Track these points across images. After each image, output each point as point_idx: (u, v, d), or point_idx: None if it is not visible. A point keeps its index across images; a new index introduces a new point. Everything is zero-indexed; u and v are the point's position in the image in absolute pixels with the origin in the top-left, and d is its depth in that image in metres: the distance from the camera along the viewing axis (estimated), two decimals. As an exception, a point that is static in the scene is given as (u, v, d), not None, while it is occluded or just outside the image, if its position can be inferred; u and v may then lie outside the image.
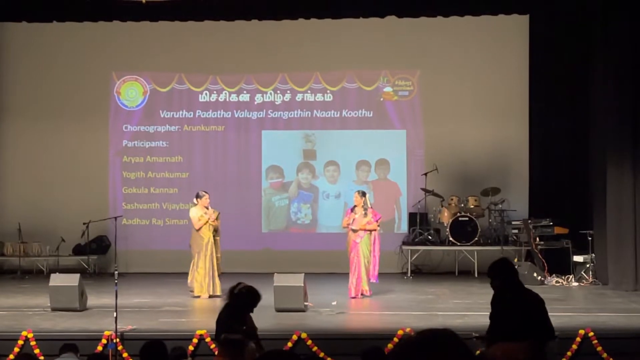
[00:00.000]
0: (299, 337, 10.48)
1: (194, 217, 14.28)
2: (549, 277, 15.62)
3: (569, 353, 10.54)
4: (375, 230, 14.18)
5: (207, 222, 14.21)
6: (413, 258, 17.31)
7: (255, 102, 18.58)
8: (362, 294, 14.05)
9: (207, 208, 14.32)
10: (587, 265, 15.55)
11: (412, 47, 18.28)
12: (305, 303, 12.55)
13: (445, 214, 17.44)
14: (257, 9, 16.44)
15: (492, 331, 7.63)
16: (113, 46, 18.58)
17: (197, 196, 14.44)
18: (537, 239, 16.32)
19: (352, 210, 14.31)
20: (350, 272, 14.11)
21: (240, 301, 8.67)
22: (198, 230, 14.24)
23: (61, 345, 9.29)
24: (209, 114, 18.64)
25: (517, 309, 7.56)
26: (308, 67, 18.49)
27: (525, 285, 8.08)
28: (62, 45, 18.58)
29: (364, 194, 14.38)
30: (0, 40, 18.70)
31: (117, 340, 10.47)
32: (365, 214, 14.12)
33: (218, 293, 14.24)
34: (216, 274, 14.27)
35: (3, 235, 18.14)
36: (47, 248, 17.82)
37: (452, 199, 17.60)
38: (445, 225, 17.39)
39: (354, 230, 14.12)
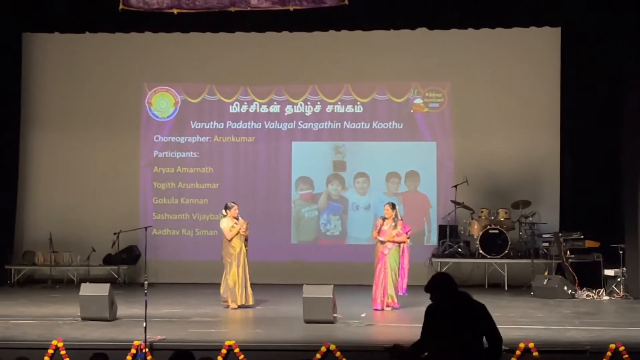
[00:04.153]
0: (328, 349, 10.44)
1: (225, 228, 14.29)
2: (579, 291, 15.49)
3: (599, 368, 10.44)
4: (404, 242, 14.15)
5: (238, 232, 14.24)
6: (443, 270, 17.24)
7: (286, 113, 18.61)
8: (387, 306, 14.01)
9: (237, 218, 14.35)
10: (618, 279, 15.42)
11: (443, 59, 18.23)
12: (334, 315, 12.51)
13: (475, 227, 17.37)
14: (288, 20, 16.47)
15: (423, 344, 7.25)
16: (144, 57, 18.69)
17: (226, 207, 14.47)
18: (568, 252, 16.19)
19: (383, 221, 14.27)
20: (375, 283, 14.08)
21: None
22: (230, 240, 14.26)
23: (91, 354, 9.27)
24: (239, 125, 18.69)
25: (448, 324, 7.10)
26: (338, 79, 18.49)
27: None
28: (94, 56, 18.69)
29: (394, 206, 14.33)
30: (33, 51, 18.85)
31: (147, 350, 10.50)
32: (395, 226, 14.09)
33: (250, 303, 14.25)
34: (248, 284, 14.28)
35: (34, 245, 18.26)
36: (78, 258, 17.91)
37: (482, 212, 17.53)
38: (475, 237, 17.32)
39: (382, 242, 14.09)
